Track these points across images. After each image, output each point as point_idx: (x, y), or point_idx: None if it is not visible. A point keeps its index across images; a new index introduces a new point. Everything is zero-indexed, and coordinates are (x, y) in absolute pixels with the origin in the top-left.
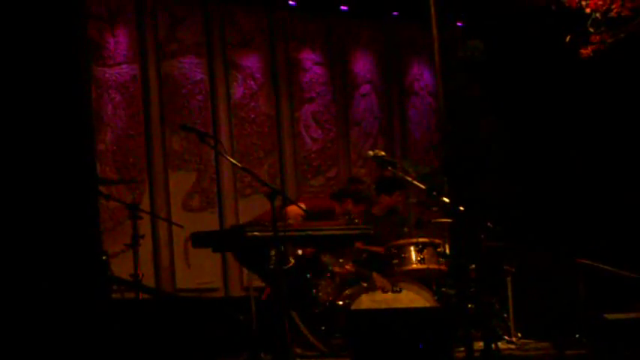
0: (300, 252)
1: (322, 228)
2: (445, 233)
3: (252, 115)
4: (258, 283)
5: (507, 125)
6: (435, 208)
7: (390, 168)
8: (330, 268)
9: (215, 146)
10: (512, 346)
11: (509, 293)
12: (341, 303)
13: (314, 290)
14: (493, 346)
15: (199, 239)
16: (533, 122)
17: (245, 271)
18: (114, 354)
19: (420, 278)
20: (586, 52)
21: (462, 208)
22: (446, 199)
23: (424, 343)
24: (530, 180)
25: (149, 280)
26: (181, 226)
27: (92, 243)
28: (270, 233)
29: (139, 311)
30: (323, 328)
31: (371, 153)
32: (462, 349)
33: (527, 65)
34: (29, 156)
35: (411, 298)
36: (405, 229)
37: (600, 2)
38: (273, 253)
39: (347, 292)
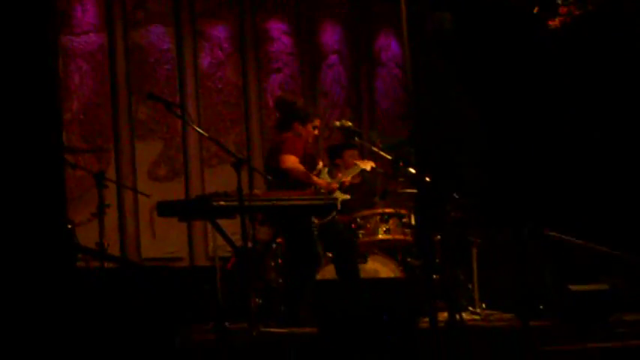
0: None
1: (288, 198)
2: (411, 204)
3: (220, 85)
4: (223, 253)
5: (476, 97)
6: (401, 179)
7: (356, 138)
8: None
9: (182, 116)
10: (477, 317)
11: (474, 264)
12: None
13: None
14: (457, 316)
15: (165, 208)
16: (502, 94)
17: (210, 241)
18: (79, 323)
19: (386, 249)
20: (554, 23)
21: (428, 179)
22: (412, 170)
23: (389, 314)
24: (498, 151)
25: (114, 250)
26: (147, 195)
27: (57, 211)
28: (236, 203)
29: (104, 280)
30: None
31: (337, 123)
32: (426, 319)
33: (497, 37)
34: None
35: (376, 268)
36: (376, 199)
37: None
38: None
39: None
